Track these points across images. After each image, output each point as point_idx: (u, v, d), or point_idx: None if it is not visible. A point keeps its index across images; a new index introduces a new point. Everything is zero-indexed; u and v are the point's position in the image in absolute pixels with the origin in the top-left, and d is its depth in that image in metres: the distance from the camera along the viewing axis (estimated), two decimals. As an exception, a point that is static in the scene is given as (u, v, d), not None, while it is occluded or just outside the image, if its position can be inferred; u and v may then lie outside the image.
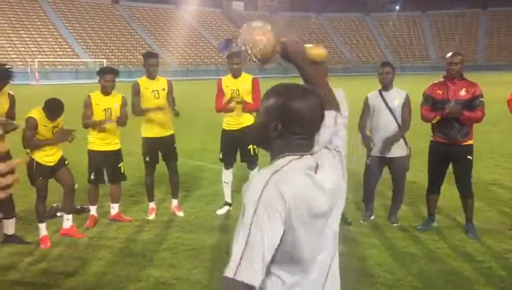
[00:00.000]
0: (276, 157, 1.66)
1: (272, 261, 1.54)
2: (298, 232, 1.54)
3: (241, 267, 1.46)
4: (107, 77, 5.68)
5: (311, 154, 1.66)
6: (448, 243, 5.19)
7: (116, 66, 51.58)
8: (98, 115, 5.69)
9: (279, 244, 1.52)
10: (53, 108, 5.16)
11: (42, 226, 5.30)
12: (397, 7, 79.86)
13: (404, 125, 5.65)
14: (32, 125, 5.09)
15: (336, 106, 1.87)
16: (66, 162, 5.48)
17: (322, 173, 1.63)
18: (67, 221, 5.51)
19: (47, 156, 5.23)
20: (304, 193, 1.55)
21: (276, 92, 1.70)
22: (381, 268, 4.52)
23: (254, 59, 1.83)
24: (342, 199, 1.74)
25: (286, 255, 1.56)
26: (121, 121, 5.84)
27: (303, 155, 1.63)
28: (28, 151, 5.24)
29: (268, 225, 1.48)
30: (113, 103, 5.78)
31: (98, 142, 5.77)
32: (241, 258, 1.47)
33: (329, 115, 1.82)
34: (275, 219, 1.49)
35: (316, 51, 1.97)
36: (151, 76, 6.05)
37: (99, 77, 5.72)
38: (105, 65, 45.87)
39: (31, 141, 5.12)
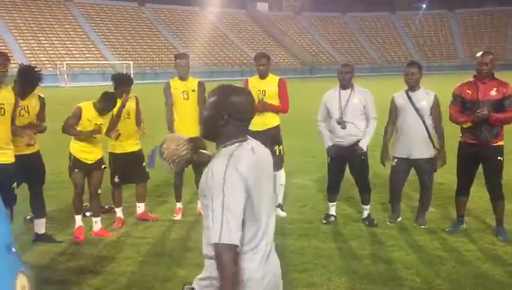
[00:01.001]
0: (223, 144, 2.12)
1: None
2: (253, 196, 2.04)
3: (223, 233, 1.93)
4: (129, 89, 5.79)
5: (246, 140, 2.14)
6: (478, 245, 5.09)
7: (142, 68, 51.80)
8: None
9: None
10: (109, 100, 5.31)
11: (78, 218, 5.47)
12: (424, 6, 78.60)
13: (435, 123, 5.58)
14: (76, 113, 5.27)
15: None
16: (103, 166, 5.61)
17: (258, 151, 2.15)
18: (96, 224, 5.61)
19: (82, 153, 5.37)
20: (253, 166, 2.05)
21: (220, 91, 2.16)
22: (409, 271, 4.47)
23: (171, 166, 2.39)
24: (271, 169, 2.26)
25: (246, 218, 2.02)
26: (139, 120, 5.96)
27: (242, 142, 2.11)
28: (70, 148, 5.41)
29: (235, 194, 1.96)
30: (130, 104, 5.86)
31: (118, 144, 5.86)
32: (221, 225, 1.93)
33: None
34: (238, 189, 1.97)
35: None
36: (181, 77, 6.13)
37: (115, 85, 5.80)
38: (131, 67, 46.58)
39: (69, 128, 5.27)
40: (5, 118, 4.56)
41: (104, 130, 5.47)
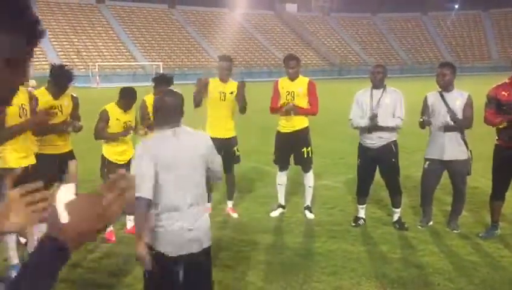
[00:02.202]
0: (156, 129, 3.16)
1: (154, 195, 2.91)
2: (160, 173, 2.92)
3: (139, 189, 2.75)
4: (164, 88, 5.84)
5: (173, 128, 3.01)
6: (513, 252, 4.95)
7: (171, 69, 52.23)
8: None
9: (155, 183, 2.91)
10: (128, 94, 5.43)
11: None
12: (456, 6, 77.00)
13: (465, 121, 5.41)
14: (104, 117, 5.39)
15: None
16: None
17: (183, 137, 3.03)
18: (130, 222, 5.69)
19: (117, 154, 5.48)
20: (161, 149, 2.96)
21: (157, 96, 3.40)
22: (441, 276, 4.37)
23: None
24: (198, 156, 3.07)
25: (158, 191, 2.92)
26: None
27: (166, 129, 3.01)
28: (102, 151, 5.51)
29: (146, 164, 2.91)
30: None
31: None
32: (138, 184, 2.66)
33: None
34: (148, 162, 2.91)
35: None
36: (223, 79, 6.17)
37: (155, 85, 5.87)
38: (161, 68, 47.11)
39: (101, 132, 5.40)
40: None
41: (133, 125, 5.56)
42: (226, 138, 6.17)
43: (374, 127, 5.50)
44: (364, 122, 5.57)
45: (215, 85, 6.16)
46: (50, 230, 1.10)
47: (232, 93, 6.13)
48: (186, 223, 2.95)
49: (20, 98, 4.51)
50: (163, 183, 2.92)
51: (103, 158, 5.53)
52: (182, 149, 2.99)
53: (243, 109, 6.17)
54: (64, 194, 1.16)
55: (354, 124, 5.74)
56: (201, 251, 3.03)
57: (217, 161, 3.29)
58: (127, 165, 5.54)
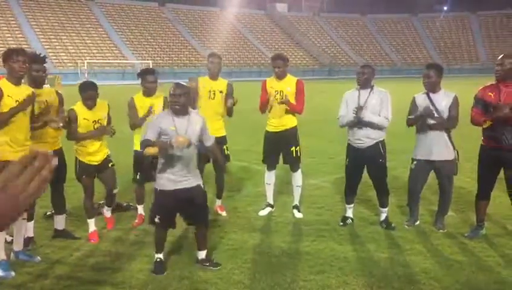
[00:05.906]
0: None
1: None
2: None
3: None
4: (149, 78, 5.79)
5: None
6: (498, 251, 5.01)
7: (161, 67, 52.24)
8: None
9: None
10: (83, 89, 5.26)
11: (91, 222, 5.47)
12: (445, 8, 77.67)
13: (449, 121, 5.45)
14: (72, 117, 5.19)
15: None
16: (111, 164, 5.57)
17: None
18: (107, 212, 5.86)
19: (89, 155, 5.33)
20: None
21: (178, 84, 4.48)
22: (427, 275, 4.41)
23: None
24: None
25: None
26: None
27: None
28: (75, 153, 5.40)
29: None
30: (156, 104, 5.84)
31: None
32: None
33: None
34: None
35: None
36: (212, 75, 6.15)
37: (141, 79, 5.85)
38: (151, 66, 46.92)
39: (74, 133, 5.23)
40: (24, 115, 4.60)
41: (105, 123, 5.39)
42: (217, 138, 6.14)
43: (359, 120, 5.51)
44: (349, 117, 5.59)
45: (204, 84, 6.15)
46: None
47: (221, 92, 6.12)
48: None
49: (22, 93, 4.54)
50: None
51: (76, 160, 5.38)
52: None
53: (230, 112, 6.23)
54: None
55: (342, 121, 5.77)
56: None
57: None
58: (103, 164, 5.45)
